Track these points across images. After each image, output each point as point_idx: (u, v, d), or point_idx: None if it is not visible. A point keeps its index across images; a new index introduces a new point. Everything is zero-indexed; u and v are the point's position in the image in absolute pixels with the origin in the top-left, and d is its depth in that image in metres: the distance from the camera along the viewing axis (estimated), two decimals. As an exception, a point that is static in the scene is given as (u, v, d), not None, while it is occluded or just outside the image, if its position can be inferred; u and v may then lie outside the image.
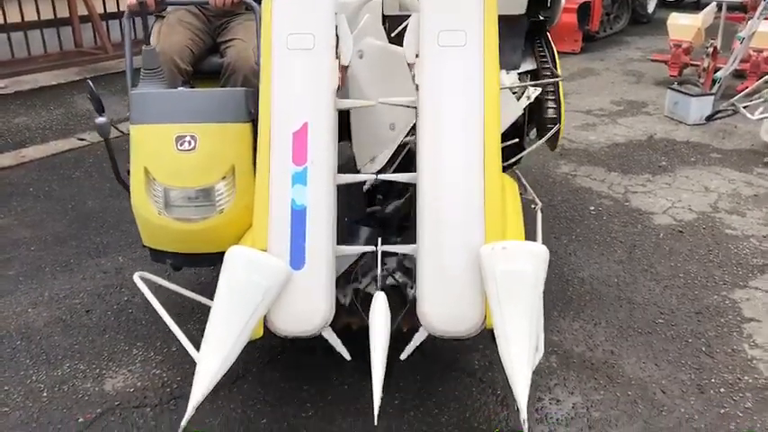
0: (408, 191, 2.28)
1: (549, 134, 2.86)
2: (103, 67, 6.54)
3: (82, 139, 4.97)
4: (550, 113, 2.86)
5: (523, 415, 1.69)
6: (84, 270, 3.18)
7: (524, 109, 2.77)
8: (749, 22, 5.20)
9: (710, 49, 5.63)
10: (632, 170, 4.41)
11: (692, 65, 6.17)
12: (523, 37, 2.86)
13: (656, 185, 4.16)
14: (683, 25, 6.17)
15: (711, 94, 5.26)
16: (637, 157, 4.64)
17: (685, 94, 5.31)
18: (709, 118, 5.15)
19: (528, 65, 2.93)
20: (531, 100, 2.77)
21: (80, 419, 2.25)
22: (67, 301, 2.93)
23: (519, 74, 2.86)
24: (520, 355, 1.71)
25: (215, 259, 2.02)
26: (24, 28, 6.34)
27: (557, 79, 2.84)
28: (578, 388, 2.38)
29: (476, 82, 1.92)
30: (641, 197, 3.99)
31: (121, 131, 2.35)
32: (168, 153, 2.14)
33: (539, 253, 1.82)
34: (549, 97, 2.87)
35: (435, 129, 1.92)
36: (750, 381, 2.41)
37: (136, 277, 2.28)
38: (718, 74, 5.35)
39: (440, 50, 1.94)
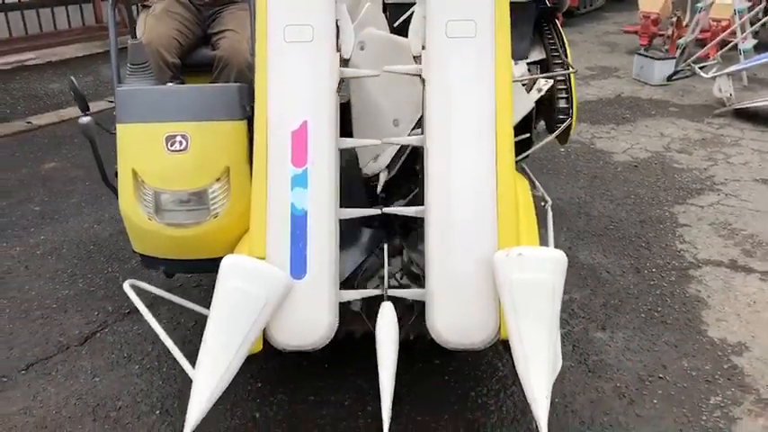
0: (413, 189, 2.19)
1: (561, 128, 2.72)
2: (122, 41, 7.07)
3: (112, 102, 5.57)
4: (562, 106, 2.71)
5: None
6: (135, 198, 3.80)
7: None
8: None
9: (674, 19, 6.28)
10: (600, 121, 5.06)
11: (659, 35, 6.79)
12: (532, 24, 2.71)
13: (619, 132, 4.81)
14: (651, -2, 6.80)
15: (673, 58, 5.92)
16: (604, 112, 5.29)
17: (650, 58, 5.97)
18: (670, 77, 5.82)
19: (537, 54, 2.79)
20: (543, 93, 2.62)
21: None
22: (126, 220, 3.56)
23: (528, 64, 2.72)
24: (539, 374, 1.58)
25: (210, 265, 1.86)
26: (51, 5, 6.98)
27: (571, 71, 2.70)
28: (542, 271, 3.02)
29: (487, 76, 1.78)
30: (605, 141, 4.64)
31: (108, 131, 2.23)
32: (158, 154, 2.00)
33: (557, 260, 1.66)
34: (561, 90, 2.71)
35: (444, 126, 1.78)
36: (677, 264, 3.07)
37: (126, 286, 2.16)
38: (681, 40, 6.02)
39: (448, 42, 1.79)
